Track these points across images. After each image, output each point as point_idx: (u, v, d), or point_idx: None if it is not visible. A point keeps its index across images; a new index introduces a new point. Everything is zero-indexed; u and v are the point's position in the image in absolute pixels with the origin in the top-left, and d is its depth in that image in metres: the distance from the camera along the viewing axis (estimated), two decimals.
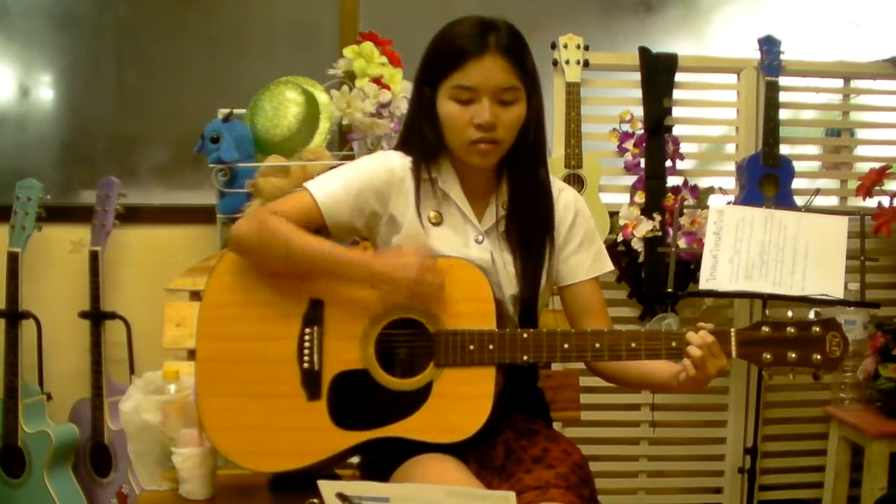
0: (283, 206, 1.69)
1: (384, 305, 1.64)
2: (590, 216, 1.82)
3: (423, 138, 1.70)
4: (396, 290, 1.61)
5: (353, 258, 1.64)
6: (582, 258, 1.78)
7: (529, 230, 1.74)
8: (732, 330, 1.58)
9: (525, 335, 1.61)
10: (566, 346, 1.61)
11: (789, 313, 1.59)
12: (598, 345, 1.60)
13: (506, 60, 1.62)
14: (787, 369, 1.58)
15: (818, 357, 1.56)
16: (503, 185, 1.75)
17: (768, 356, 1.57)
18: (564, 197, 1.79)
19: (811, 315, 1.60)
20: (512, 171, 1.74)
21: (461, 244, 1.71)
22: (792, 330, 1.57)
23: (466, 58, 1.61)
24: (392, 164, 1.72)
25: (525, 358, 1.61)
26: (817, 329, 1.57)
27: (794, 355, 1.56)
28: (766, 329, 1.57)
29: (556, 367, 2.11)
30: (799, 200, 2.89)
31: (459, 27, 1.65)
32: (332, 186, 1.70)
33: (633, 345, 1.59)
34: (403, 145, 1.76)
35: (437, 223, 1.73)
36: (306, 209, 1.68)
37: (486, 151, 1.66)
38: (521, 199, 1.74)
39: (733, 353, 1.57)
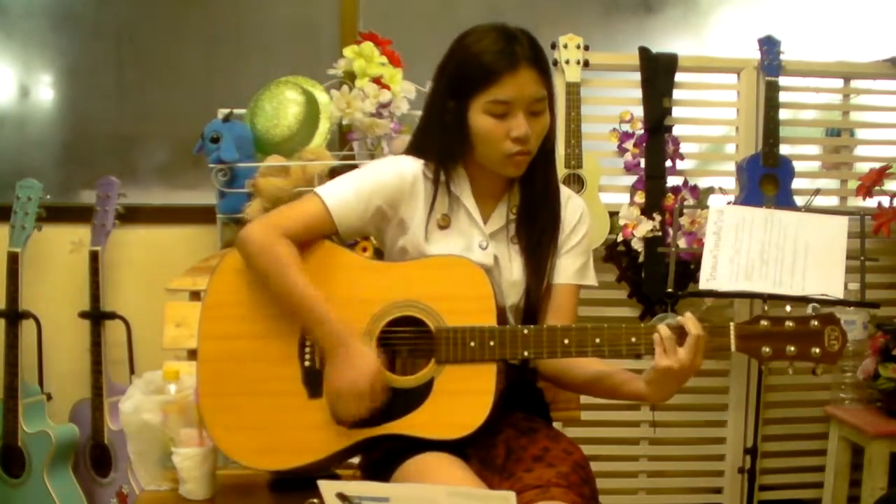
0: (293, 214, 1.69)
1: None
2: (590, 229, 1.83)
3: (444, 148, 1.70)
4: (334, 380, 1.61)
5: (331, 327, 1.62)
6: (571, 262, 1.78)
7: (539, 234, 1.75)
8: (732, 324, 1.58)
9: (525, 331, 1.61)
10: (566, 341, 1.61)
11: (788, 308, 1.59)
12: (598, 340, 1.60)
13: (535, 71, 1.63)
14: (786, 363, 1.58)
15: (817, 350, 1.57)
16: (514, 189, 1.76)
17: (767, 350, 1.57)
18: (573, 203, 1.81)
19: (809, 310, 1.60)
20: (527, 176, 1.74)
21: (464, 248, 1.72)
22: (791, 324, 1.57)
23: (501, 73, 1.61)
24: (403, 168, 1.72)
25: (526, 354, 1.62)
26: (816, 323, 1.57)
27: (792, 349, 1.57)
28: (764, 323, 1.58)
29: None
30: (799, 200, 2.89)
31: (483, 41, 1.63)
32: (344, 192, 1.70)
33: (633, 339, 1.59)
34: (417, 152, 1.76)
35: (445, 227, 1.73)
36: (318, 216, 1.68)
37: (521, 163, 1.67)
38: (534, 203, 1.75)
39: (732, 346, 1.58)
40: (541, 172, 1.74)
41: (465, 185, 1.74)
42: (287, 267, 1.64)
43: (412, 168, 1.72)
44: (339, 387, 1.60)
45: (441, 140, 1.70)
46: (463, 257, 1.67)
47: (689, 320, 1.56)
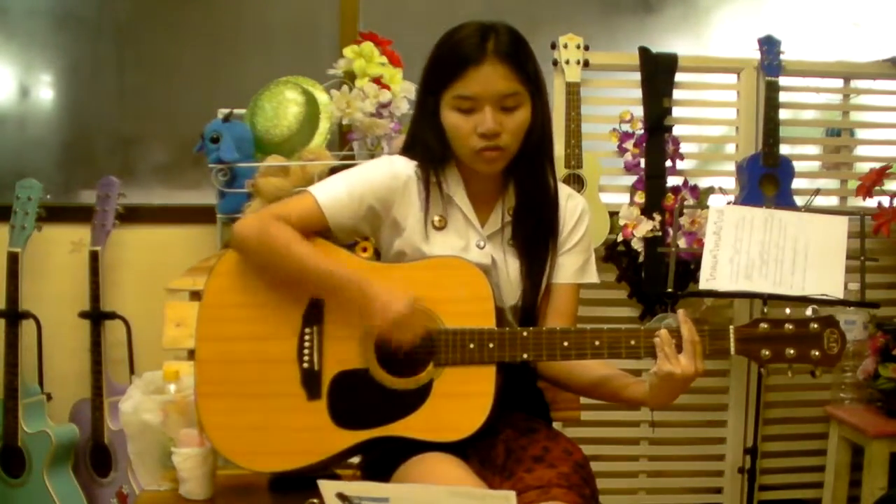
0: (286, 208, 1.69)
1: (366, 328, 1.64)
2: (591, 228, 1.82)
3: (427, 147, 1.71)
4: (378, 320, 1.60)
5: (348, 278, 1.63)
6: (571, 261, 1.78)
7: (534, 234, 1.74)
8: (731, 327, 1.58)
9: (525, 333, 1.61)
10: (566, 343, 1.61)
11: (787, 310, 1.60)
12: (597, 342, 1.60)
13: (505, 66, 1.61)
14: (785, 366, 1.59)
15: (816, 353, 1.57)
16: (510, 190, 1.76)
17: (767, 352, 1.57)
18: (573, 201, 1.80)
19: (808, 312, 1.60)
20: (518, 175, 1.73)
21: (461, 249, 1.71)
22: (790, 327, 1.57)
23: (465, 67, 1.60)
24: (396, 169, 1.72)
25: (525, 356, 1.61)
26: (815, 326, 1.57)
27: (792, 352, 1.57)
28: (764, 326, 1.58)
29: None
30: (799, 200, 2.89)
31: (458, 35, 1.64)
32: (336, 190, 1.70)
33: (633, 342, 1.59)
34: (408, 151, 1.76)
35: (441, 227, 1.73)
36: (309, 212, 1.68)
37: (491, 159, 1.66)
38: (527, 202, 1.74)
39: (732, 349, 1.58)
40: (528, 171, 1.73)
41: (458, 186, 1.73)
42: (287, 242, 1.64)
43: (405, 169, 1.72)
44: (384, 317, 1.58)
45: (424, 138, 1.71)
46: (461, 258, 1.67)
47: (683, 325, 1.55)
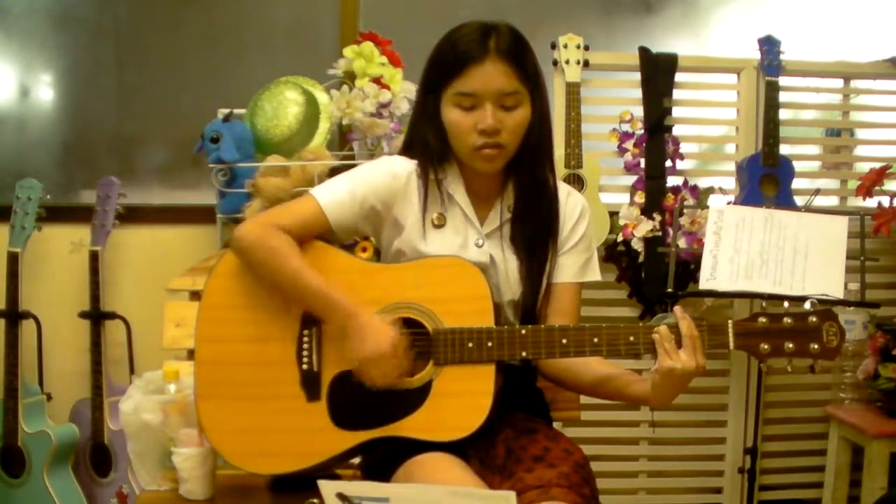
0: (289, 213, 1.70)
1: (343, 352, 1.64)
2: (591, 225, 1.83)
3: (427, 145, 1.71)
4: (356, 351, 1.60)
5: (338, 303, 1.62)
6: (572, 260, 1.78)
7: (533, 233, 1.75)
8: (730, 321, 1.59)
9: (523, 331, 1.62)
10: (564, 341, 1.61)
11: (786, 304, 1.60)
12: (596, 340, 1.60)
13: (506, 64, 1.62)
14: (785, 360, 1.59)
15: (815, 347, 1.57)
16: (509, 188, 1.76)
17: (766, 347, 1.58)
18: (573, 200, 1.80)
19: (807, 306, 1.60)
20: (517, 173, 1.74)
21: (460, 247, 1.72)
22: (789, 321, 1.58)
23: (467, 64, 1.61)
24: (396, 168, 1.73)
25: (524, 354, 1.62)
26: (814, 319, 1.58)
27: (791, 345, 1.57)
28: (763, 320, 1.58)
29: None
30: (799, 200, 2.89)
31: (460, 33, 1.65)
32: (338, 192, 1.71)
33: (632, 339, 1.59)
34: (407, 150, 1.76)
35: (440, 225, 1.73)
36: (312, 215, 1.69)
37: (491, 156, 1.66)
38: (526, 200, 1.74)
39: (731, 344, 1.58)
40: (528, 170, 1.73)
41: (458, 184, 1.74)
42: (285, 256, 1.64)
43: (405, 168, 1.73)
44: (363, 357, 1.59)
45: (423, 137, 1.71)
46: (459, 258, 1.67)
47: (681, 321, 1.56)
